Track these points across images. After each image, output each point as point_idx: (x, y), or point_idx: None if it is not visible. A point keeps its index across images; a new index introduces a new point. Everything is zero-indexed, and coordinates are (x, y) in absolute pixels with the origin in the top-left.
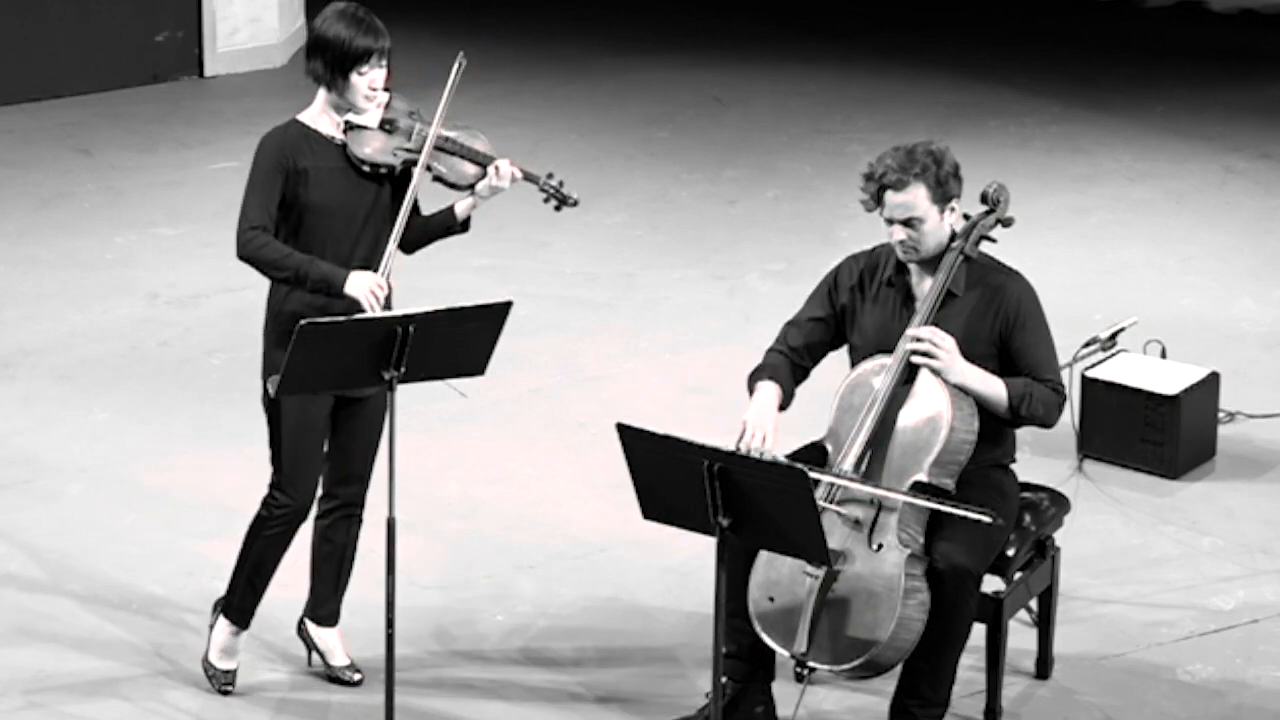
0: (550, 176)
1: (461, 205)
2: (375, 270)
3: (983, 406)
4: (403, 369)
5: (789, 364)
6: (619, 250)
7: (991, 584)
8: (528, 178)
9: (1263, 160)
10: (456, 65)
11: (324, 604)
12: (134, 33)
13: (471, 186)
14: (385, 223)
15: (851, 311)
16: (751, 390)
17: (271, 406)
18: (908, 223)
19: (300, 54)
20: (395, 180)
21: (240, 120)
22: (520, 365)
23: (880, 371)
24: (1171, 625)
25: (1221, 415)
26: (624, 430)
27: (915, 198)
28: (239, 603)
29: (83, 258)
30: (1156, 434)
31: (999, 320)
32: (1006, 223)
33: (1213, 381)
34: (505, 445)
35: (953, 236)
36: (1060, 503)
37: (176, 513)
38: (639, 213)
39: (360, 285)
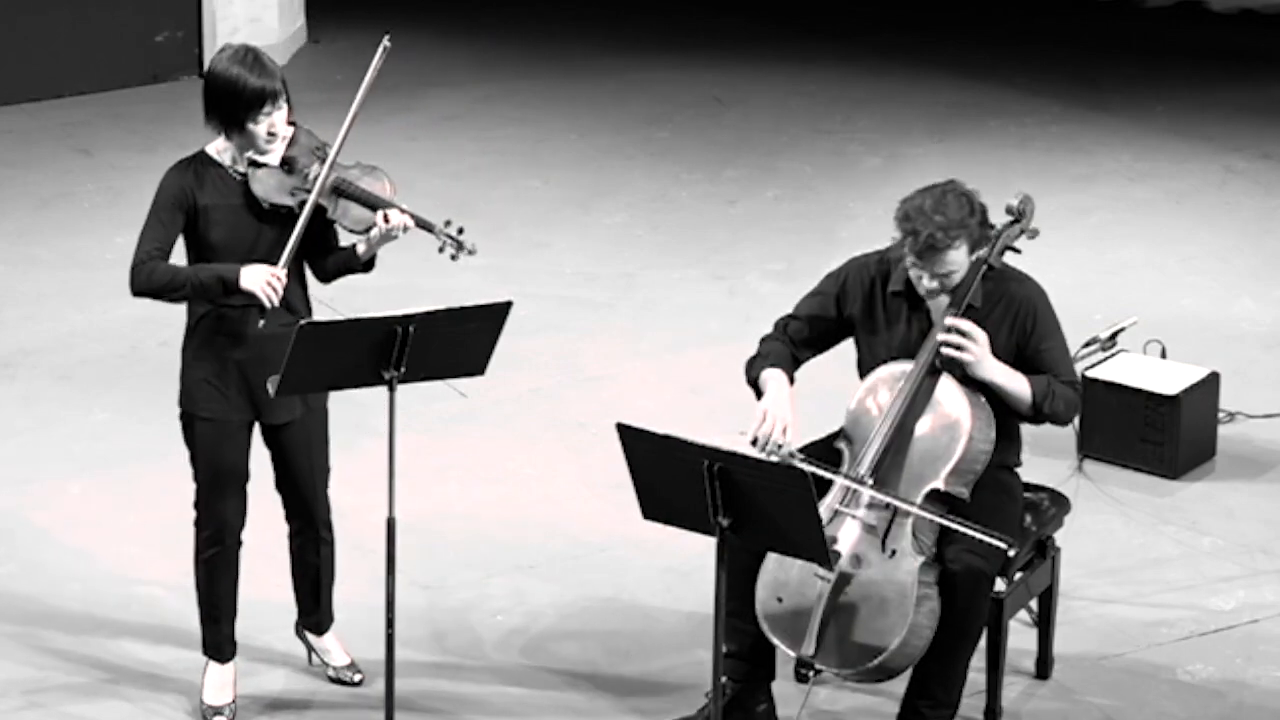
0: (448, 224)
1: (361, 247)
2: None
3: (1005, 403)
4: (403, 369)
5: (790, 354)
6: (619, 250)
7: None
8: (421, 225)
9: (1263, 160)
10: (381, 49)
11: (310, 615)
12: (134, 33)
13: (366, 231)
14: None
15: (862, 322)
16: (754, 377)
17: (185, 431)
18: (944, 274)
19: (300, 54)
20: (298, 219)
21: None
22: (520, 365)
23: (901, 377)
24: (1171, 625)
25: (1221, 415)
26: (624, 430)
27: (958, 256)
28: (207, 637)
29: (83, 258)
30: (1156, 434)
31: (1016, 329)
32: (1032, 234)
33: (1213, 381)
34: (505, 445)
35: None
36: (1060, 503)
37: (176, 513)
38: (639, 213)
39: (256, 278)
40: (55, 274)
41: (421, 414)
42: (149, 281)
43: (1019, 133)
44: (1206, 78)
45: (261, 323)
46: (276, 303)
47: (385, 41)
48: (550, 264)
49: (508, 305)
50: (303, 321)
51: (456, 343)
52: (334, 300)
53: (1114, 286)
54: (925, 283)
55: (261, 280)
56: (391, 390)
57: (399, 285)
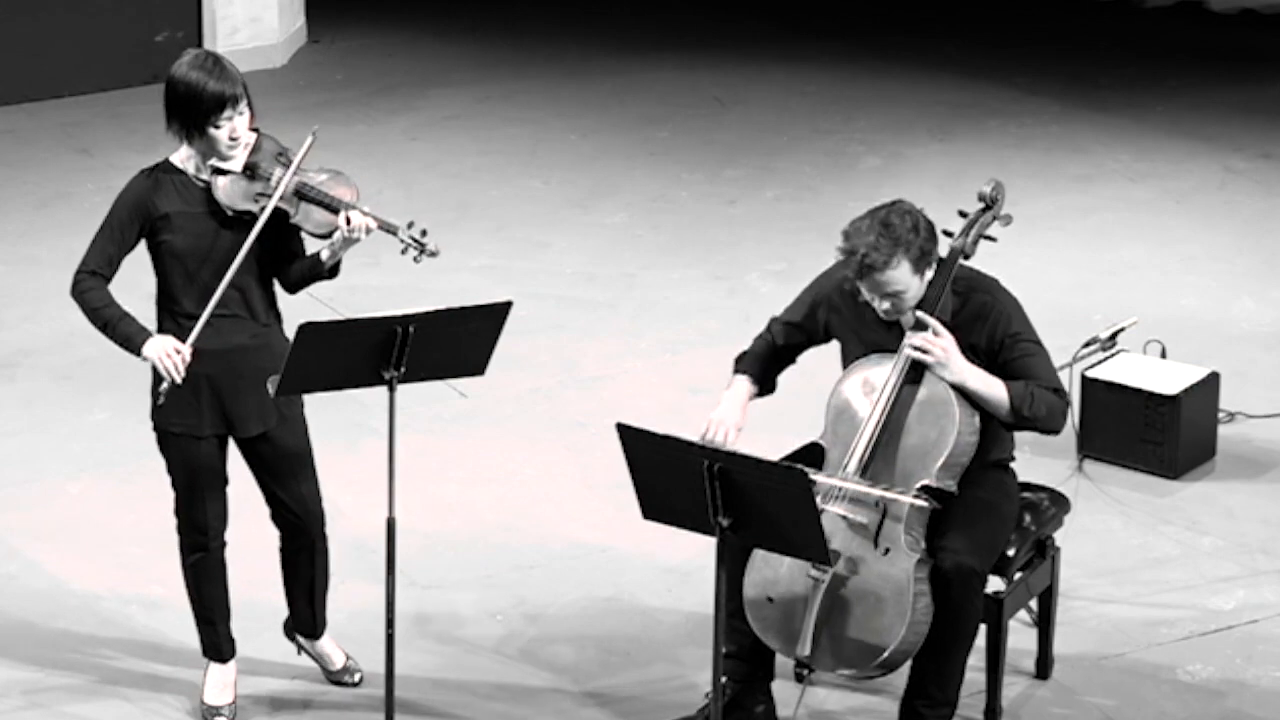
0: (411, 226)
1: (325, 252)
2: (193, 326)
3: (984, 409)
4: (403, 369)
5: (774, 356)
6: (619, 250)
7: (991, 584)
8: (384, 228)
9: (1263, 160)
10: (309, 138)
11: (304, 622)
12: (134, 33)
13: (329, 235)
14: (251, 266)
15: (842, 324)
16: (732, 376)
17: (159, 442)
18: (892, 294)
19: (300, 54)
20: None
21: None
22: (520, 365)
23: (881, 374)
24: (1171, 625)
25: (1221, 415)
26: (624, 430)
27: (899, 275)
28: (204, 638)
29: None
30: (1156, 434)
31: (986, 338)
32: (1005, 220)
33: (1213, 381)
34: (505, 445)
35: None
36: (1060, 503)
37: None
38: (639, 213)
39: (156, 349)
40: (55, 274)
41: (421, 414)
42: (81, 299)
43: (1019, 133)
44: (1206, 78)
45: (161, 400)
46: (178, 378)
47: (313, 132)
48: (550, 264)
49: (508, 305)
50: (302, 322)
51: (456, 343)
52: (334, 300)
53: (1114, 286)
54: (878, 303)
55: (161, 352)
56: (391, 390)
57: (399, 285)
